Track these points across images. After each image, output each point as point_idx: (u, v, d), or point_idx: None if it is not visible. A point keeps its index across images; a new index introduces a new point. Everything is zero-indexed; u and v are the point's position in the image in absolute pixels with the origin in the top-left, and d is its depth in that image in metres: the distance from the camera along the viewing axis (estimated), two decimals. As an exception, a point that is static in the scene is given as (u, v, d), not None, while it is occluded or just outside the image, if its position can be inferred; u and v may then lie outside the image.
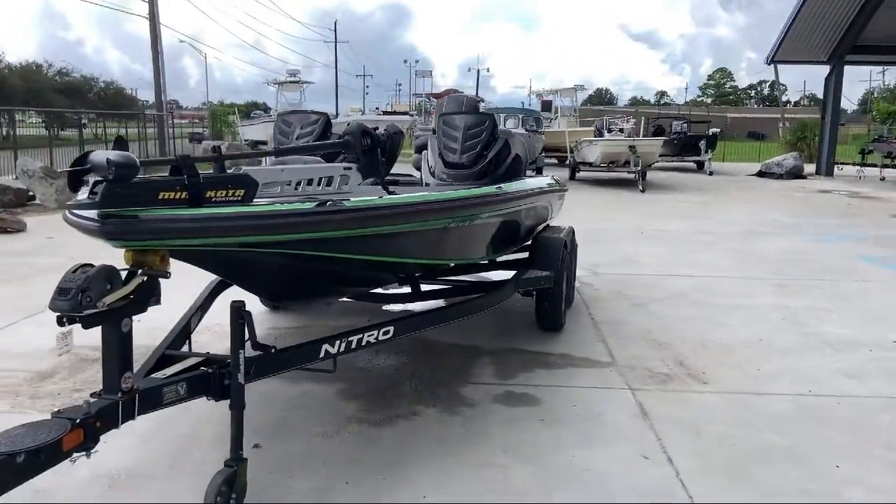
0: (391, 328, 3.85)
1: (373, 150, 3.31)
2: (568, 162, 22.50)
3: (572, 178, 22.01)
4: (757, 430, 4.05)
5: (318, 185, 3.26)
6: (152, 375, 3.04)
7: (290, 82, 32.93)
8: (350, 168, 3.24)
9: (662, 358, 5.23)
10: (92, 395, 2.69)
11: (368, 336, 3.71)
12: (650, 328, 5.99)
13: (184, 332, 3.78)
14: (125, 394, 2.67)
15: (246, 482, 3.08)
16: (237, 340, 2.97)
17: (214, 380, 3.01)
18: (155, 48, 28.85)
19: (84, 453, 2.54)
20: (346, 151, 3.32)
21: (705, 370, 5.00)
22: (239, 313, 2.96)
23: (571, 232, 6.36)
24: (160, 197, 2.63)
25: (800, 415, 4.29)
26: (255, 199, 2.89)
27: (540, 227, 5.96)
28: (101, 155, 2.50)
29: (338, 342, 3.53)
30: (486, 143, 5.09)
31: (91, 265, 2.57)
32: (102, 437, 3.68)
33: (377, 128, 3.35)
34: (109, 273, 2.56)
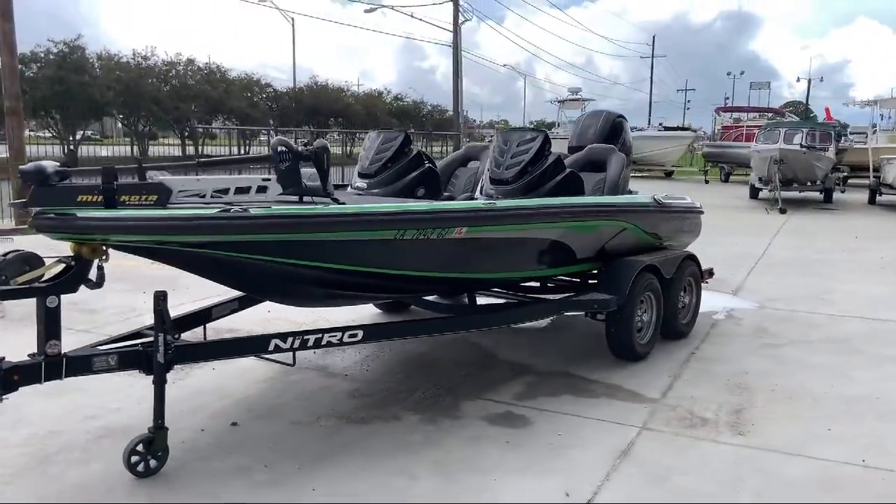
0: (359, 332, 4.10)
1: (293, 164, 3.61)
2: (869, 183, 19.74)
3: (871, 201, 19.30)
4: (735, 491, 3.54)
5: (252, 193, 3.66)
6: (99, 346, 3.67)
7: (571, 100, 33.34)
8: (269, 180, 3.58)
9: (722, 403, 4.68)
10: (28, 354, 3.38)
11: (330, 337, 4.00)
12: (750, 371, 5.34)
13: (197, 315, 4.41)
14: (49, 357, 3.31)
15: (166, 448, 3.58)
16: (158, 325, 3.48)
17: (144, 357, 3.54)
18: (455, 74, 31.36)
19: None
20: (272, 165, 3.66)
21: (758, 422, 4.39)
22: (158, 302, 3.47)
23: (678, 259, 5.88)
24: (79, 199, 3.25)
25: (814, 484, 3.64)
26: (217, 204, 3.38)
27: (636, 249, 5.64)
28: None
29: (290, 339, 3.88)
30: (532, 159, 5.01)
31: (19, 251, 3.26)
32: (138, 397, 4.43)
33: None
34: (28, 258, 3.23)
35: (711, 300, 7.57)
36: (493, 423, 4.32)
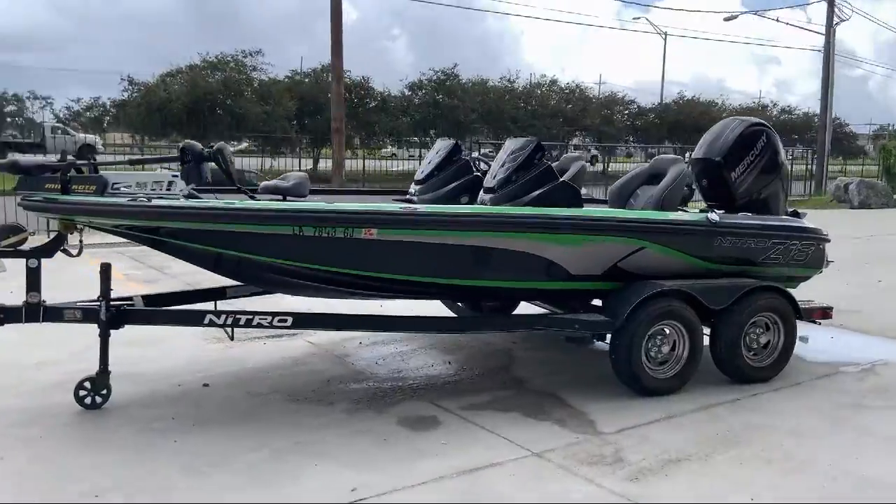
0: (289, 319, 4.56)
1: (196, 163, 4.18)
2: None
3: None
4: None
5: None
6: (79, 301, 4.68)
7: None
8: (177, 176, 4.23)
9: (669, 450, 4.09)
10: (22, 302, 4.51)
11: (261, 319, 4.54)
12: (774, 427, 4.48)
13: (211, 292, 5.27)
14: (29, 305, 4.41)
15: (107, 387, 4.50)
16: (103, 290, 4.40)
17: (96, 314, 4.47)
18: (826, 83, 28.34)
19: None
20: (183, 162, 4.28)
21: (678, 475, 3.82)
22: (102, 273, 4.39)
23: (738, 289, 5.06)
24: (46, 187, 4.31)
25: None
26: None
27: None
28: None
29: (224, 316, 4.52)
30: (518, 168, 4.83)
31: (12, 223, 4.43)
32: (178, 356, 5.43)
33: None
34: (13, 227, 4.37)
35: (882, 349, 6.25)
36: (403, 423, 4.41)
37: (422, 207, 4.50)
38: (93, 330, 4.47)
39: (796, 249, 5.48)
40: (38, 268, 4.45)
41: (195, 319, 4.60)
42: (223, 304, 5.10)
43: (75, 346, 5.52)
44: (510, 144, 5.12)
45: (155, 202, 4.14)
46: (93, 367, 5.12)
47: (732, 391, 5.07)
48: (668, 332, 4.96)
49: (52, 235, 4.53)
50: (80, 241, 4.59)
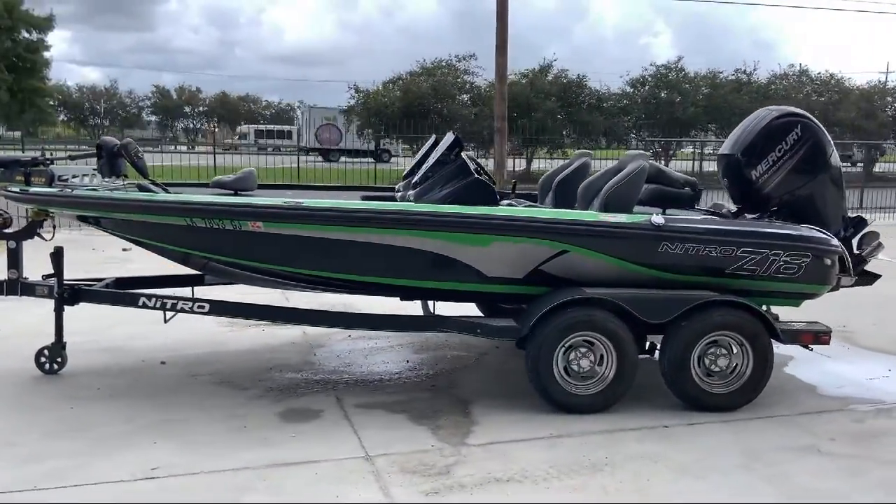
0: (207, 305, 4.85)
1: (109, 158, 4.55)
2: None
3: None
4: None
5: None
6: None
7: None
8: (95, 170, 4.66)
9: (514, 470, 3.76)
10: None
11: (183, 304, 4.89)
12: (664, 460, 3.91)
13: (191, 278, 5.69)
14: (9, 281, 5.13)
15: (62, 356, 5.09)
16: (55, 271, 5.00)
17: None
18: None
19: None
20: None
21: (477, 494, 3.50)
22: (53, 257, 4.98)
23: (684, 301, 4.45)
24: (16, 178, 5.02)
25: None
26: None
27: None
28: None
29: (154, 299, 4.92)
30: (436, 163, 4.63)
31: (-2, 210, 5.19)
32: (174, 337, 6.01)
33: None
34: (-8, 213, 5.12)
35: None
36: (282, 415, 4.48)
37: (306, 202, 4.52)
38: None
39: (781, 261, 4.64)
40: (17, 249, 5.15)
41: (131, 301, 5.02)
42: (199, 291, 5.53)
43: (109, 321, 6.23)
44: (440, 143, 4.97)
45: (76, 192, 4.64)
46: (109, 343, 5.83)
47: (674, 417, 4.49)
48: (594, 344, 4.50)
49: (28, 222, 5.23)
50: (53, 227, 5.25)
